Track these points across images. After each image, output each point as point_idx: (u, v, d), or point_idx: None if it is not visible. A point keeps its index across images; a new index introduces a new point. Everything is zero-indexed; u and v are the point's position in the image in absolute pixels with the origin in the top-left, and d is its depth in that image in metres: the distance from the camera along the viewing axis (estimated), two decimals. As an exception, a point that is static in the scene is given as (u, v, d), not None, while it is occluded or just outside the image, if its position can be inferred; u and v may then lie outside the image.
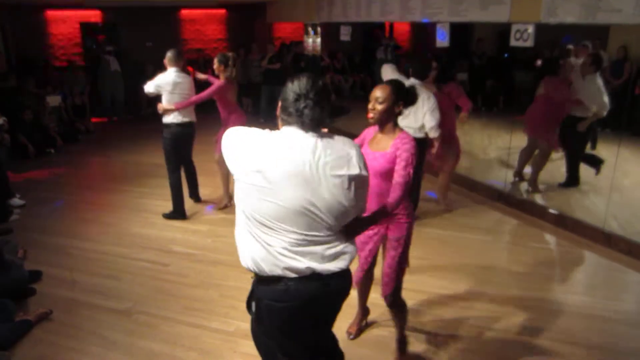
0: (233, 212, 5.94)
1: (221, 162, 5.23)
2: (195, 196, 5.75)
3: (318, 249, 1.93)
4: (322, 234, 1.92)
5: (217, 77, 5.22)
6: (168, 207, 5.54)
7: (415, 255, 4.32)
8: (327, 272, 1.95)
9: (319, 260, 1.93)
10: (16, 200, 5.61)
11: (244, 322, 3.48)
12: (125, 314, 3.61)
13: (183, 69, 5.16)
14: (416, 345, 3.22)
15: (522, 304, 3.72)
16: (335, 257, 1.97)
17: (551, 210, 5.21)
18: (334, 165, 1.88)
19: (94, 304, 3.73)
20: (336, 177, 1.87)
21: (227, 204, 5.58)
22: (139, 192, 6.14)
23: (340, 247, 1.98)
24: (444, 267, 4.24)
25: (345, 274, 2.03)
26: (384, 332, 3.33)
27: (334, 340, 2.30)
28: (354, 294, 2.64)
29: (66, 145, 8.26)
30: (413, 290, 3.76)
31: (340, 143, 1.94)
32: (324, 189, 1.86)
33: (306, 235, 1.90)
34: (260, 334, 2.22)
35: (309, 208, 1.86)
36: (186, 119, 5.07)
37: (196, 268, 4.27)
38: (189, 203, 5.59)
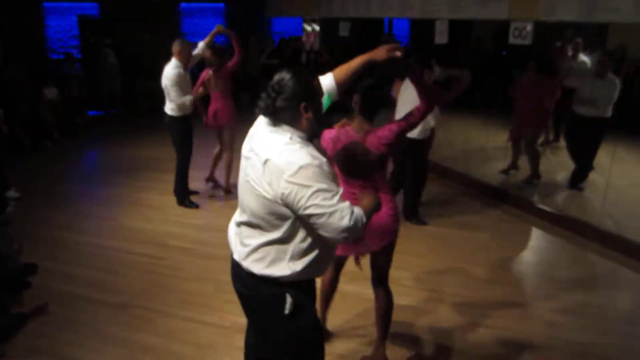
0: (230, 206, 5.93)
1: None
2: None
3: (242, 230, 2.04)
4: (248, 219, 1.99)
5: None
6: (165, 200, 5.55)
7: (410, 252, 4.34)
8: (235, 258, 2.09)
9: (238, 244, 2.06)
10: (12, 193, 5.59)
11: (240, 317, 3.46)
12: (121, 307, 3.61)
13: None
14: (412, 343, 3.23)
15: (518, 301, 3.73)
16: (244, 246, 2.02)
17: (547, 209, 5.23)
18: (257, 158, 1.89)
19: (90, 298, 3.73)
20: (256, 168, 1.89)
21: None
22: (135, 186, 6.13)
23: (255, 241, 1.97)
24: (439, 264, 4.25)
25: (241, 268, 2.03)
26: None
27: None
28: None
29: (63, 139, 8.23)
30: (409, 287, 3.78)
31: (277, 140, 1.88)
32: (250, 175, 1.93)
33: (241, 218, 2.04)
34: None
35: (241, 193, 2.02)
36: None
37: (192, 262, 4.27)
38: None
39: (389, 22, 13.11)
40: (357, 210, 1.88)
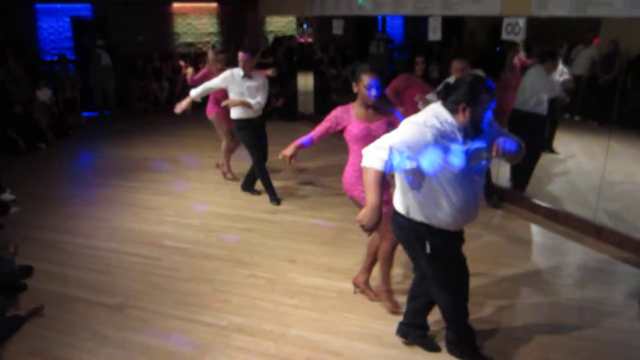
0: (225, 206, 5.89)
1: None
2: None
3: None
4: None
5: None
6: (160, 201, 5.54)
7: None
8: None
9: None
10: (7, 195, 5.56)
11: (237, 317, 3.48)
12: (117, 308, 3.60)
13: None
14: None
15: (513, 296, 3.74)
16: None
17: (543, 204, 5.24)
18: None
19: (86, 299, 3.72)
20: None
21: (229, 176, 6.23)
22: (130, 187, 6.11)
23: None
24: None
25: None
26: (382, 327, 3.35)
27: None
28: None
29: (57, 140, 8.21)
30: (405, 284, 3.77)
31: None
32: None
33: None
34: None
35: None
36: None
37: (188, 262, 4.26)
38: (177, 198, 5.58)
39: (383, 20, 13.13)
40: (380, 153, 2.40)
